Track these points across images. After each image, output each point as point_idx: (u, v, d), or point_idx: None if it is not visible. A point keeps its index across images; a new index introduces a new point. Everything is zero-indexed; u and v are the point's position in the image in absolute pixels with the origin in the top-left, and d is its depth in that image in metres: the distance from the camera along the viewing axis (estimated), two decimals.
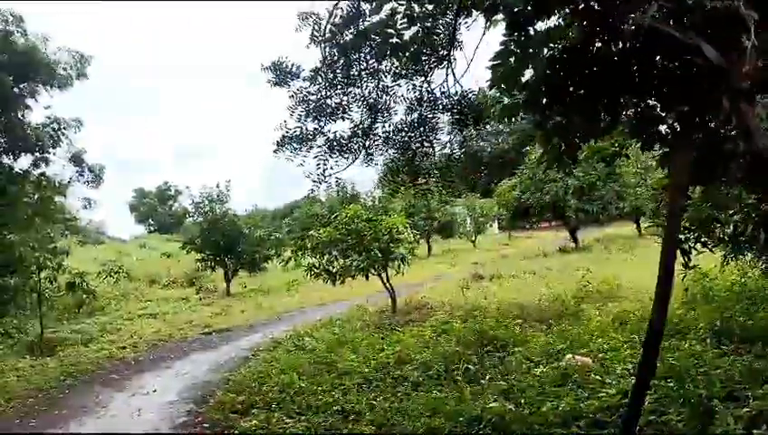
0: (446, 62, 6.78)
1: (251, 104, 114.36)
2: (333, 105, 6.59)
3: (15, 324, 15.38)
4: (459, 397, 7.01)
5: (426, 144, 7.12)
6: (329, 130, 7.18)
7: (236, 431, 6.98)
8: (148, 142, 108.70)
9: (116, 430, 7.86)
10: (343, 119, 6.73)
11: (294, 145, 6.80)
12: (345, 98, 6.61)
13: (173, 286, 25.05)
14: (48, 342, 13.63)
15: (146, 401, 9.23)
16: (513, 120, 5.62)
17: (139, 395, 9.66)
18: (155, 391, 9.82)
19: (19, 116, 15.83)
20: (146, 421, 8.10)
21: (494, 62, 4.56)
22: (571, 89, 5.04)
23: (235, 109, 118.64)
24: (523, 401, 6.32)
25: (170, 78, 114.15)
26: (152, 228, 65.22)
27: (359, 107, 6.77)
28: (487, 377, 7.72)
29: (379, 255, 12.96)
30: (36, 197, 16.79)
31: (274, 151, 6.98)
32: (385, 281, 13.69)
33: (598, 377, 6.85)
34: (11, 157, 16.29)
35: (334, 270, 13.38)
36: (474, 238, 38.15)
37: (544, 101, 5.11)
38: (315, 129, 6.82)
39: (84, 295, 14.68)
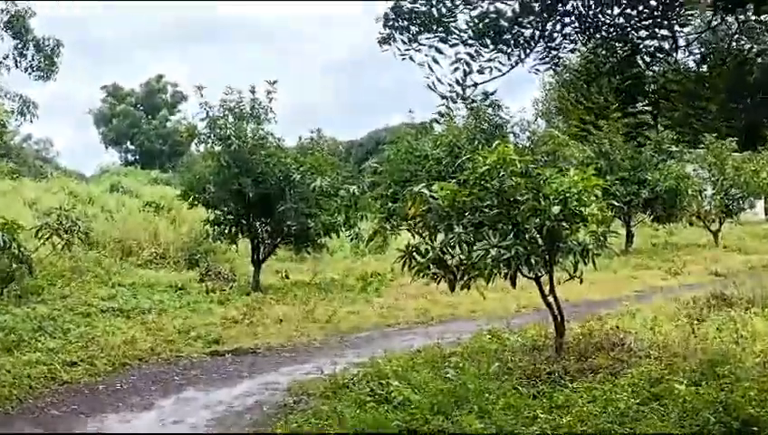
0: None
1: None
2: None
3: None
4: None
5: (657, 34, 6.57)
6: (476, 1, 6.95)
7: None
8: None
9: None
10: None
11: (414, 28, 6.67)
12: None
13: (161, 263, 25.84)
14: None
15: None
16: None
17: None
18: None
19: None
20: None
21: None
22: None
23: None
24: None
25: None
26: (131, 157, 67.43)
27: None
28: None
29: (540, 241, 12.51)
30: None
31: (380, 42, 7.03)
32: (547, 291, 13.30)
33: None
34: None
35: (454, 262, 13.08)
36: (718, 226, 36.94)
37: None
38: None
39: (14, 265, 15.18)
